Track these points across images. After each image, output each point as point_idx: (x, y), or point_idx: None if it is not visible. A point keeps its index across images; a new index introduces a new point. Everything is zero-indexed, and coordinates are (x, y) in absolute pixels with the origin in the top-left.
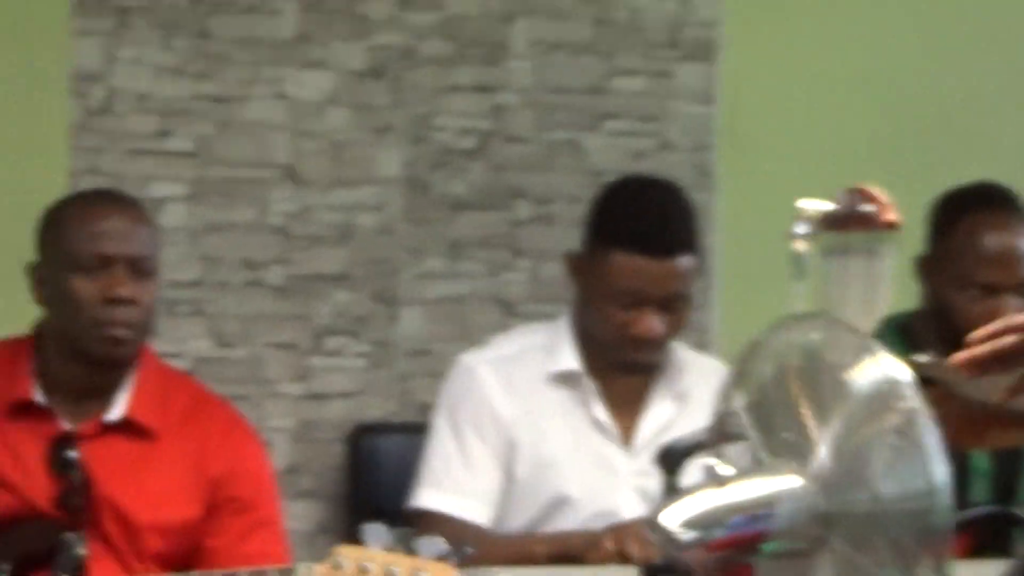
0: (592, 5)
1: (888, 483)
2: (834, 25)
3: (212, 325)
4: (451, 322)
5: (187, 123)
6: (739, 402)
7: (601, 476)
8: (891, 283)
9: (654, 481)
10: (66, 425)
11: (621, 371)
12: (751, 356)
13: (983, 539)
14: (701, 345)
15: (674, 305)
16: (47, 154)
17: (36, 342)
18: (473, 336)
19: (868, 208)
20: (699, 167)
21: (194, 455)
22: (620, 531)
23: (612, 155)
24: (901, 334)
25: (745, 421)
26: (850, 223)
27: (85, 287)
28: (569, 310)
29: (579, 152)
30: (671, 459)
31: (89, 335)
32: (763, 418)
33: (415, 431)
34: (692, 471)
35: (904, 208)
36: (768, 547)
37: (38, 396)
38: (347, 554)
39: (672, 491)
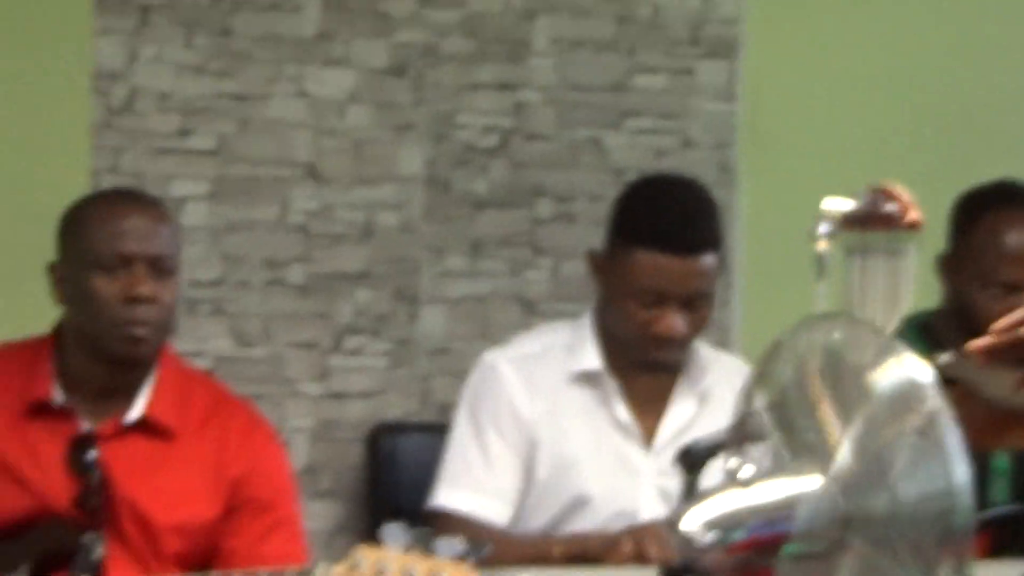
0: (614, 3)
1: (909, 484)
2: (856, 22)
3: (233, 324)
4: (472, 321)
5: (208, 121)
6: (760, 402)
7: (622, 476)
8: (913, 282)
9: (675, 481)
10: (85, 425)
11: (643, 370)
12: (773, 356)
13: (1003, 539)
14: (722, 344)
15: (696, 304)
16: (69, 153)
17: (56, 341)
18: (494, 335)
19: (890, 207)
20: (721, 165)
21: (213, 455)
22: (639, 532)
23: (634, 153)
24: (923, 333)
25: (766, 421)
26: (872, 222)
27: (106, 286)
28: (591, 309)
29: (601, 150)
30: (691, 459)
31: (110, 334)
32: (784, 418)
33: (436, 431)
34: (713, 471)
35: (926, 207)
36: (789, 549)
37: (57, 396)
38: (365, 555)
39: (692, 492)
